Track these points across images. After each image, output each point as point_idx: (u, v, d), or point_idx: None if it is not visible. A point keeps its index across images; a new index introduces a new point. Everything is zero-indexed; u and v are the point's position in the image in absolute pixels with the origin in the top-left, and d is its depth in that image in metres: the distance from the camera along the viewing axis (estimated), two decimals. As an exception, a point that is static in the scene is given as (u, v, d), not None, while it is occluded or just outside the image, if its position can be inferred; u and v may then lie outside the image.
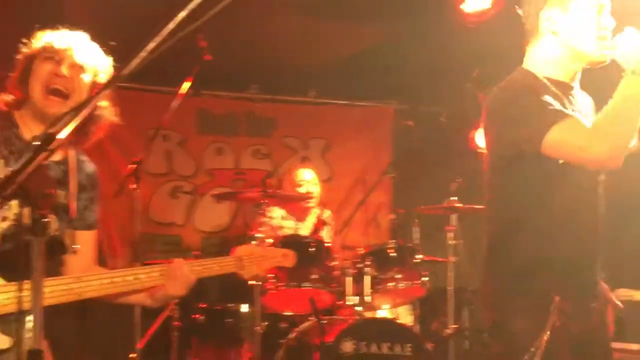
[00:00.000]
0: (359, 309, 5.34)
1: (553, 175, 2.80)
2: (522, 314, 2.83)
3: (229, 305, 5.62)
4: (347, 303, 5.38)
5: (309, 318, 5.42)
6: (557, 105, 2.75)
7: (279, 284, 5.34)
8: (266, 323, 5.40)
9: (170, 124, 6.10)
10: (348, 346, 5.01)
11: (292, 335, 5.32)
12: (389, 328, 5.29)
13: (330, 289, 5.40)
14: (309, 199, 6.21)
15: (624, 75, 2.68)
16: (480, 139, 7.39)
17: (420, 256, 5.66)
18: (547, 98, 2.76)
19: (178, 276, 2.95)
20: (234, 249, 3.21)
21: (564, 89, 2.89)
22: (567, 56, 2.90)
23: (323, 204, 6.44)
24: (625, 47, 2.71)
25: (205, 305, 5.59)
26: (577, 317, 2.83)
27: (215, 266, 3.12)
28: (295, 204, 6.34)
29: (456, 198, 6.19)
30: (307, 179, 6.40)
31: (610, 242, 3.08)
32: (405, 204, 6.66)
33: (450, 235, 6.19)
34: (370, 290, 5.37)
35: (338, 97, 7.94)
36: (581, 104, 2.99)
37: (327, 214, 6.47)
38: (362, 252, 5.56)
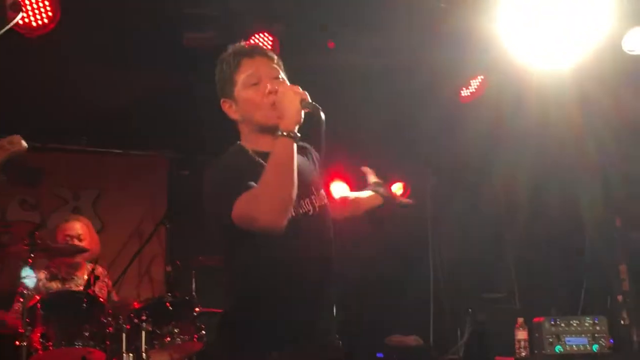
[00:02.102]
0: (135, 366, 5.12)
1: (257, 245, 2.78)
2: None
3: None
4: (122, 361, 5.15)
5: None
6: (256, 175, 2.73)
7: (47, 343, 5.02)
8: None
9: None
10: (123, 407, 4.80)
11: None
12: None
13: (104, 346, 5.14)
14: (82, 252, 5.89)
15: (275, 135, 2.72)
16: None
17: (198, 309, 5.56)
18: (245, 170, 2.80)
19: None
20: None
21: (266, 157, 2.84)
22: (257, 132, 2.97)
23: (95, 257, 6.12)
24: (279, 107, 2.79)
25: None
26: None
27: None
28: (64, 260, 5.98)
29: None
30: (74, 234, 6.05)
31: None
32: (182, 255, 6.52)
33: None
34: (146, 347, 5.19)
35: (110, 145, 7.71)
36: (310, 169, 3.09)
37: (99, 268, 6.16)
38: (137, 306, 5.37)
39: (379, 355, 7.00)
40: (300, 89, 2.80)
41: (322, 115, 2.78)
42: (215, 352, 3.03)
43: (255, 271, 2.86)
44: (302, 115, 2.76)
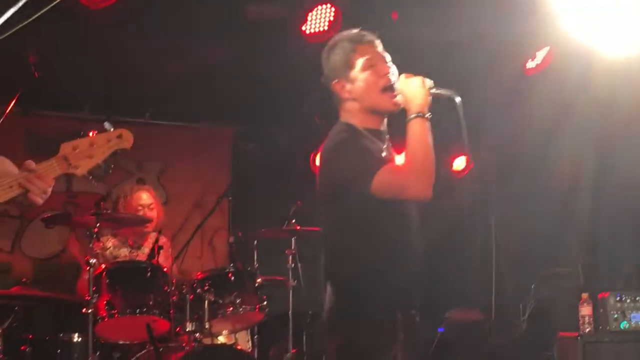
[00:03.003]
0: (197, 335, 5.18)
1: (374, 209, 3.09)
2: (366, 334, 3.07)
3: (58, 335, 5.32)
4: (185, 330, 5.21)
5: (145, 346, 5.23)
6: (375, 151, 3.19)
7: (113, 310, 5.12)
8: (98, 353, 5.13)
9: (-5, 143, 5.79)
10: (185, 374, 4.87)
11: (127, 364, 5.11)
12: (227, 355, 5.23)
13: (167, 315, 5.21)
14: (147, 222, 5.98)
15: (409, 118, 3.15)
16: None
17: (260, 280, 5.60)
18: (368, 145, 3.18)
19: (31, 183, 2.66)
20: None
21: (377, 134, 3.30)
22: (368, 111, 3.31)
23: (160, 228, 6.21)
24: (405, 93, 3.19)
25: (32, 336, 5.27)
26: (416, 332, 3.19)
27: (55, 165, 2.75)
28: (131, 229, 6.10)
29: (295, 221, 6.18)
30: (146, 204, 6.16)
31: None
32: (244, 228, 6.57)
33: (290, 258, 6.16)
34: (208, 316, 5.24)
35: (175, 118, 7.78)
36: (388, 145, 3.39)
37: (164, 238, 6.25)
38: (200, 276, 5.43)
39: (440, 330, 6.98)
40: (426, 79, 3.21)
41: (458, 100, 3.21)
42: (337, 317, 3.20)
43: (377, 240, 3.16)
44: (430, 98, 3.19)
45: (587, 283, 6.33)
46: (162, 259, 5.82)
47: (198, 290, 5.31)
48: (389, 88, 3.26)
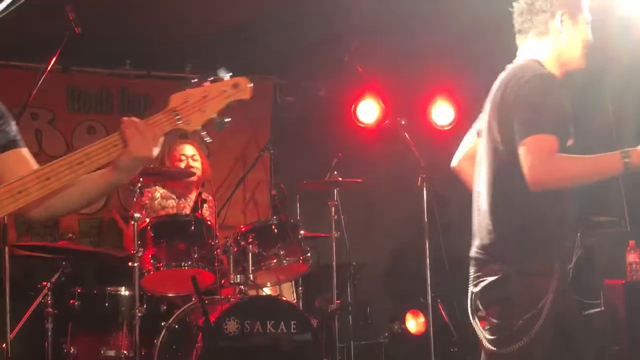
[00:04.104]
0: (242, 287, 5.22)
1: None
2: (528, 276, 3.08)
3: (106, 288, 5.40)
4: (229, 282, 5.26)
5: (191, 299, 5.30)
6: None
7: (158, 264, 5.18)
8: (145, 306, 5.19)
9: (39, 101, 5.85)
10: (232, 326, 4.92)
11: (174, 317, 5.17)
12: (272, 306, 5.25)
13: (212, 268, 5.26)
14: (191, 175, 6.01)
15: (623, 160, 2.99)
16: (363, 113, 7.41)
17: (303, 232, 5.61)
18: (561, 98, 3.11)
19: (139, 131, 2.38)
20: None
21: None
22: (562, 57, 3.30)
23: (206, 180, 6.23)
24: None
25: (80, 290, 5.36)
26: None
27: (163, 120, 2.45)
28: (177, 182, 6.14)
29: (336, 173, 6.17)
30: (189, 154, 6.20)
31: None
32: (285, 181, 6.57)
33: (333, 210, 6.17)
34: (252, 268, 5.28)
35: (214, 71, 7.75)
36: None
37: (207, 191, 6.29)
38: (244, 229, 5.46)
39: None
40: None
41: None
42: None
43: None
44: None
45: (633, 230, 6.24)
46: (206, 212, 5.87)
47: (242, 243, 5.35)
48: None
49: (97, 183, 2.48)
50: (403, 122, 6.42)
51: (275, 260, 5.38)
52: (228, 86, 2.58)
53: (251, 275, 5.27)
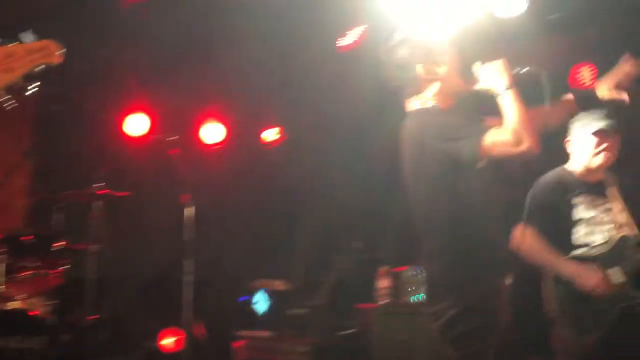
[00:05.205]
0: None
1: (469, 177, 3.37)
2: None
3: None
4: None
5: None
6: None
7: None
8: None
9: None
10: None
11: None
12: (20, 320, 5.02)
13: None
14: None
15: (497, 95, 3.40)
16: (133, 126, 7.36)
17: (60, 243, 5.45)
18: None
19: None
20: None
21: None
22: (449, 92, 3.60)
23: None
24: (487, 78, 3.47)
25: None
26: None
27: None
28: None
29: (103, 184, 6.07)
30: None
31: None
32: (47, 190, 6.36)
33: (96, 222, 6.05)
34: (3, 280, 5.05)
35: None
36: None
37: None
38: (-5, 238, 5.22)
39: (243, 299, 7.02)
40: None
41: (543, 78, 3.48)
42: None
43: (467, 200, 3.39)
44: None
45: (386, 259, 6.54)
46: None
47: (-7, 253, 5.11)
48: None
49: None
50: (171, 139, 6.38)
51: (27, 272, 5.18)
52: (35, 49, 2.41)
53: (1, 287, 5.04)
